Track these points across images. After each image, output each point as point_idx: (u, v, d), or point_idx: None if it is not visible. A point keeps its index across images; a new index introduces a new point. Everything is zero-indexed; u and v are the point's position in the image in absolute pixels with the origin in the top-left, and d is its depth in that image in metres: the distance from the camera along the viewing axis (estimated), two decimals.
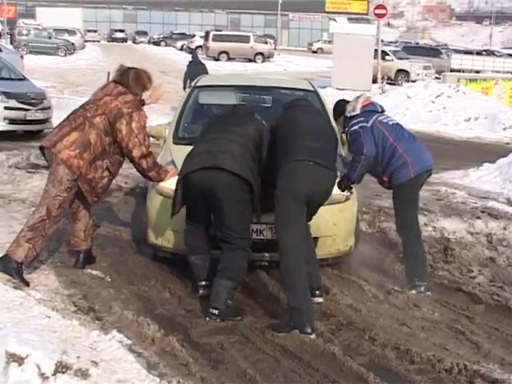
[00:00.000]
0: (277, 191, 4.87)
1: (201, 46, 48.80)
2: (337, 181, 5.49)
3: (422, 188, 5.90)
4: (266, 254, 5.69)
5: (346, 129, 5.94)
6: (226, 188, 4.93)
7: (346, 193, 5.88)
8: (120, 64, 5.90)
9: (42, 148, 5.61)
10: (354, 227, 6.17)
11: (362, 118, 5.81)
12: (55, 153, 5.35)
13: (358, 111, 5.88)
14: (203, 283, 5.31)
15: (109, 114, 5.43)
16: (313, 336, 4.64)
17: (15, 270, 5.21)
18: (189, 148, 5.46)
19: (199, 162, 5.06)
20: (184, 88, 17.09)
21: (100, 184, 5.51)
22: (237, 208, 4.99)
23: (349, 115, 5.91)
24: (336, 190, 5.62)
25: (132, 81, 5.62)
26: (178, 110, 7.21)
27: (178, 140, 6.58)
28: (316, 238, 5.68)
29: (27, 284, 5.21)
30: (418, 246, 5.91)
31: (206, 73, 16.85)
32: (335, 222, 5.78)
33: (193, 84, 7.72)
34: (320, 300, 5.28)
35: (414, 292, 5.72)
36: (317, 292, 5.26)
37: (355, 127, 5.78)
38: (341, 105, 6.17)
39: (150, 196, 6.00)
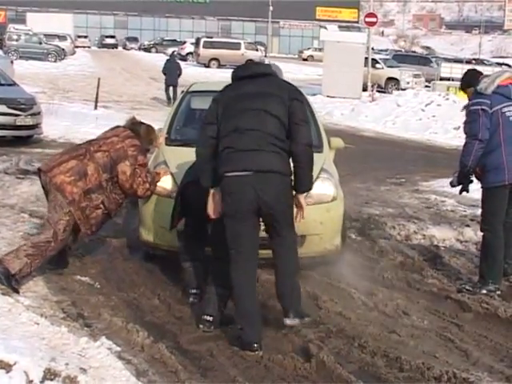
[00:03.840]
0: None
1: (191, 53, 48.87)
2: (455, 175, 5.95)
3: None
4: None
5: (469, 102, 5.93)
6: None
7: (467, 186, 6.07)
8: (133, 115, 6.23)
9: (39, 171, 5.75)
10: (341, 227, 6.28)
11: (488, 102, 5.75)
12: (50, 177, 5.48)
13: (489, 92, 5.79)
14: (194, 291, 5.35)
15: (113, 154, 5.61)
16: (260, 353, 4.48)
17: (4, 275, 5.18)
18: (180, 149, 5.76)
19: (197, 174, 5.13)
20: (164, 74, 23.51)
21: (94, 214, 5.58)
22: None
23: (479, 90, 5.85)
24: (322, 190, 5.91)
25: (143, 134, 5.88)
26: (170, 113, 7.43)
27: (170, 142, 6.75)
28: (303, 236, 5.81)
29: (16, 291, 5.17)
30: (500, 250, 5.97)
31: (179, 68, 23.60)
32: (322, 221, 5.93)
33: (185, 90, 7.89)
34: (289, 322, 4.68)
35: (484, 291, 5.86)
36: (290, 314, 4.68)
37: (477, 107, 5.77)
38: (473, 74, 6.12)
39: None
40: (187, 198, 5.21)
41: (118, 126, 5.99)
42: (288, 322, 4.67)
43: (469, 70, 6.39)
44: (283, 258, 4.72)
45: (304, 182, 4.78)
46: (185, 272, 5.39)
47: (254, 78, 4.75)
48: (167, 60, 24.60)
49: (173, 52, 29.56)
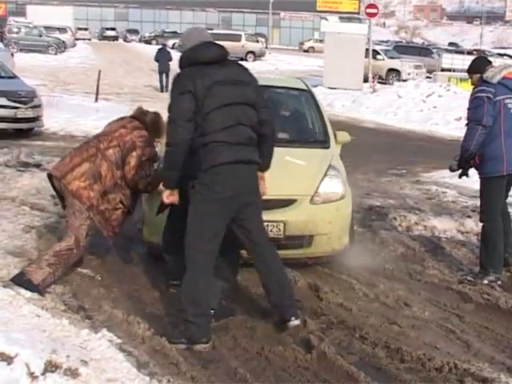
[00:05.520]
0: None
1: None
2: (455, 159, 5.95)
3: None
4: None
5: (474, 89, 5.98)
6: None
7: (467, 170, 6.08)
8: (140, 105, 6.00)
9: (50, 176, 5.55)
10: (349, 226, 6.21)
11: (493, 90, 5.81)
12: (65, 184, 5.30)
13: (494, 81, 5.85)
14: (174, 282, 5.36)
15: (123, 147, 5.41)
16: (207, 346, 4.42)
17: (29, 285, 5.06)
18: None
19: None
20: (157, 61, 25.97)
21: (114, 216, 5.43)
22: None
23: (485, 78, 5.90)
24: (331, 188, 5.89)
25: (150, 122, 5.66)
26: None
27: None
28: (312, 236, 5.79)
29: (41, 293, 5.08)
30: (499, 238, 6.00)
31: (170, 56, 25.63)
32: (330, 221, 5.84)
33: None
34: (293, 324, 4.69)
35: (485, 282, 5.89)
36: (291, 317, 4.70)
37: (482, 94, 5.83)
38: (481, 62, 6.17)
39: (147, 195, 6.04)
40: None
41: (123, 118, 5.83)
42: (293, 324, 4.67)
43: (479, 57, 6.45)
44: (268, 256, 4.72)
45: (270, 161, 4.83)
46: (167, 263, 5.44)
47: (220, 62, 4.56)
48: (159, 49, 26.90)
49: (164, 44, 31.05)
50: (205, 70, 4.45)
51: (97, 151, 5.38)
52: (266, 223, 5.39)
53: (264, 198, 5.21)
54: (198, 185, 4.44)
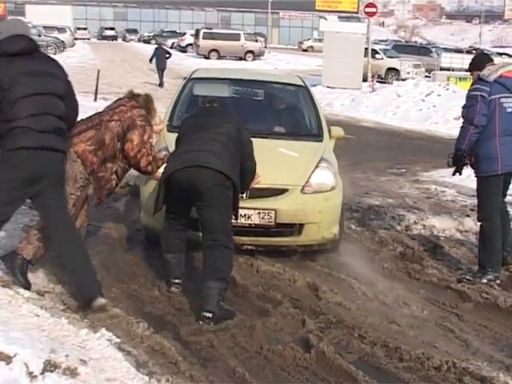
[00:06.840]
0: None
1: (191, 44, 48.79)
2: (450, 156, 6.04)
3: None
4: (254, 238, 5.95)
5: (470, 87, 6.02)
6: (209, 185, 5.00)
7: (460, 169, 6.14)
8: (131, 89, 6.16)
9: None
10: (339, 216, 6.33)
11: (488, 89, 5.82)
12: (71, 145, 5.34)
13: (490, 80, 5.86)
14: (176, 281, 5.42)
15: (124, 122, 5.55)
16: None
17: (20, 268, 5.12)
18: None
19: (183, 161, 5.17)
20: (150, 61, 27.94)
21: (108, 185, 5.57)
22: (220, 205, 5.05)
23: (481, 76, 5.92)
24: (321, 179, 6.06)
25: (143, 103, 5.81)
26: (172, 100, 7.44)
27: (172, 128, 6.71)
28: (302, 225, 5.99)
29: (29, 286, 5.10)
30: (497, 237, 6.01)
31: (165, 54, 27.23)
32: (320, 210, 6.01)
33: (188, 76, 7.91)
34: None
35: (484, 281, 5.90)
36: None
37: (476, 92, 5.85)
38: (481, 59, 6.18)
39: (144, 179, 6.19)
40: (172, 186, 5.20)
41: (120, 99, 5.92)
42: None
43: (480, 54, 6.46)
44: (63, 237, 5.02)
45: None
46: (167, 263, 5.46)
47: (29, 54, 4.79)
48: (156, 48, 28.26)
49: (160, 44, 31.96)
50: (12, 61, 4.69)
51: (100, 121, 5.55)
52: (257, 211, 5.77)
53: (257, 186, 5.63)
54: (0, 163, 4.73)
